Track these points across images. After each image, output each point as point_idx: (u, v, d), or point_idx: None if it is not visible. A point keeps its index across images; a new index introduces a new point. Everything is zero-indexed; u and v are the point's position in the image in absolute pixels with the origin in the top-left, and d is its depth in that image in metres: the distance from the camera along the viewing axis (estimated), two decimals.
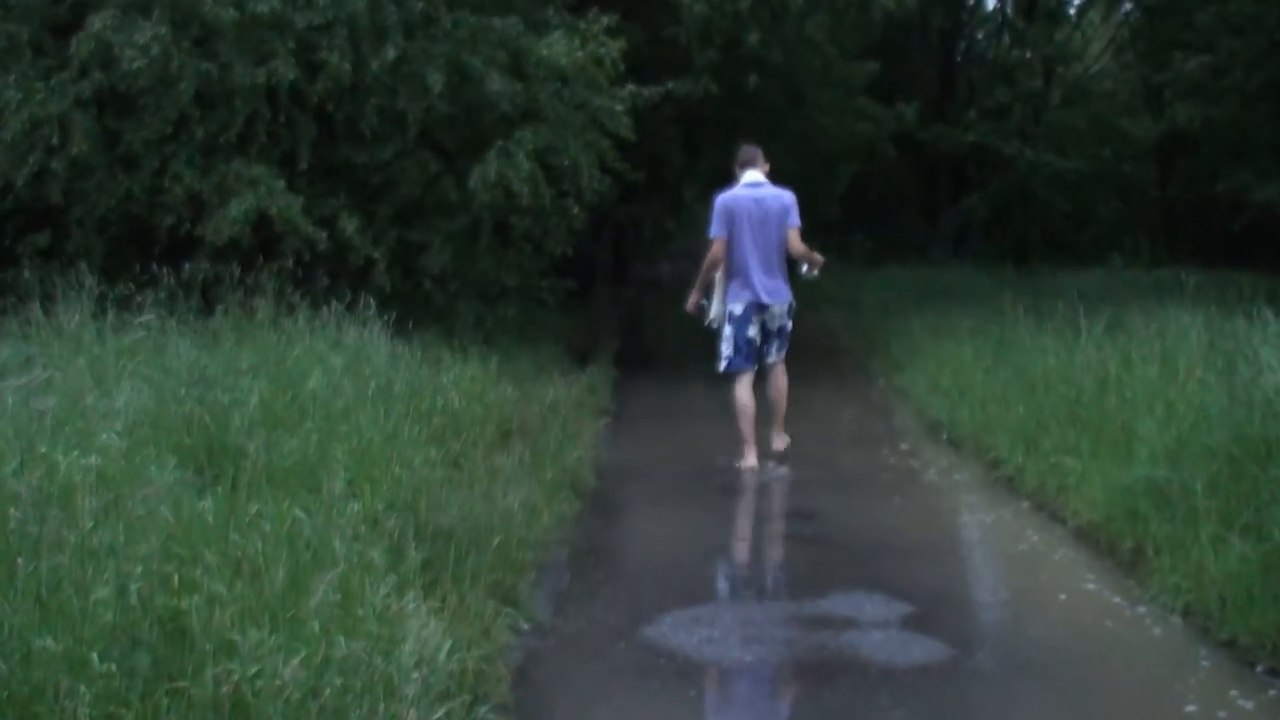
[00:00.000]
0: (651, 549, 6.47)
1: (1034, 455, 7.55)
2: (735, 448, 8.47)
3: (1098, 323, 8.77)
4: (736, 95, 14.58)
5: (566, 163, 10.68)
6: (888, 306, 16.12)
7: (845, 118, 19.04)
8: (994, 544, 6.63)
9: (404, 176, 11.21)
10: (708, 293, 8.69)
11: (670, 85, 11.88)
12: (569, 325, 14.65)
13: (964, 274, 19.05)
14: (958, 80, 26.05)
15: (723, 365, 8.54)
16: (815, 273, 8.57)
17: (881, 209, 26.84)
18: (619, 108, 10.90)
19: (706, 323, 8.72)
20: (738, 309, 8.46)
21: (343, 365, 7.12)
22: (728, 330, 8.50)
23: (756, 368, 8.55)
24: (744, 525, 7.42)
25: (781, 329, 8.54)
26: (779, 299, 8.49)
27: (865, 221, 25.97)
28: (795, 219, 8.50)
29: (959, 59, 26.53)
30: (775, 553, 6.76)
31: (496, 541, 5.28)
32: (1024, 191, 23.82)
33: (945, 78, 25.98)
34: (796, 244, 8.46)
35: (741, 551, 6.87)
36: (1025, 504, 7.23)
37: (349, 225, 10.08)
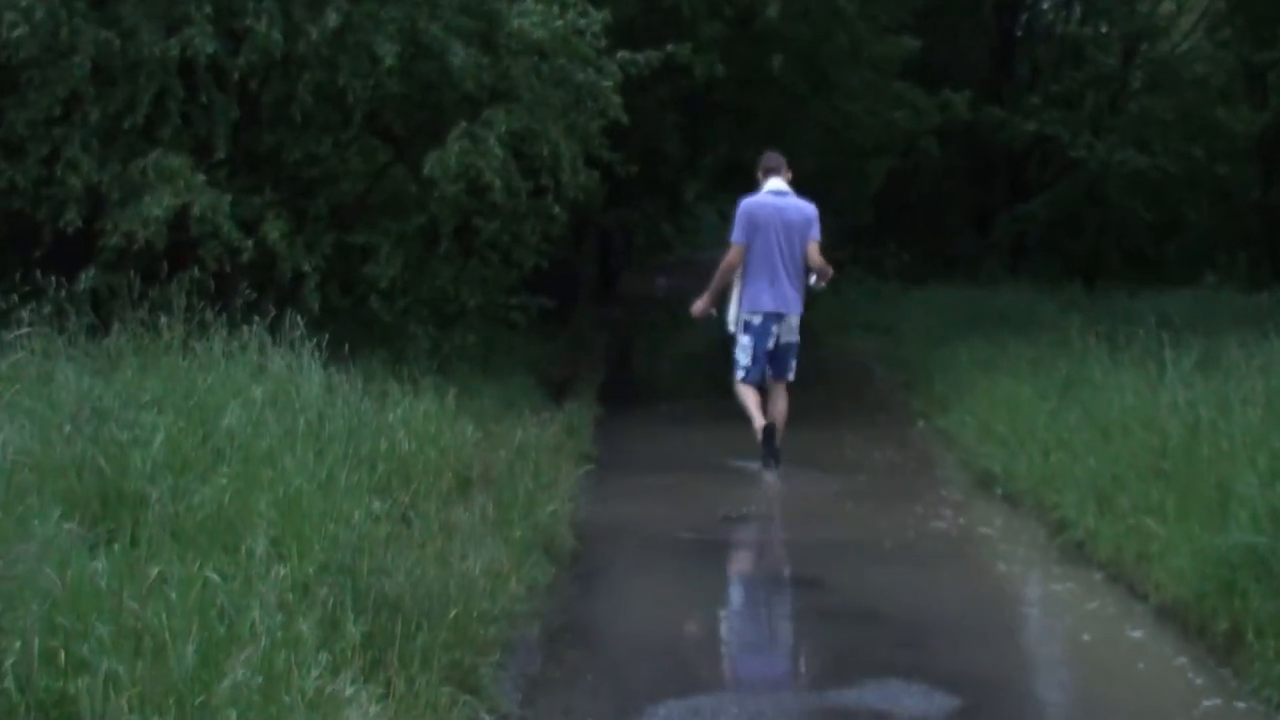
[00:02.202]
0: (641, 625, 6.45)
1: (1108, 516, 7.56)
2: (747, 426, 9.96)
3: (1186, 356, 8.79)
4: (748, 77, 14.68)
5: (545, 151, 10.72)
6: (930, 333, 16.14)
7: (879, 105, 19.11)
8: (1059, 623, 6.63)
9: (345, 169, 11.26)
10: (721, 301, 10.11)
11: (670, 48, 11.84)
12: (543, 352, 14.64)
13: (1022, 295, 19.09)
14: (1017, 60, 26.17)
15: (740, 375, 10.01)
16: (824, 284, 10.14)
17: (923, 215, 26.93)
18: (608, 83, 10.94)
19: (729, 329, 10.12)
20: (756, 319, 9.95)
21: (267, 398, 7.10)
22: (745, 340, 9.98)
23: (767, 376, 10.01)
24: (755, 596, 7.42)
25: (790, 344, 10.06)
26: (795, 310, 10.01)
27: (903, 230, 26.04)
28: (816, 232, 9.99)
29: (1019, 34, 26.66)
30: (793, 631, 6.76)
31: (453, 614, 5.28)
32: (1096, 195, 23.89)
33: (1002, 58, 26.10)
34: (816, 257, 9.91)
35: (751, 629, 6.86)
36: (1098, 575, 7.23)
37: (275, 229, 10.10)
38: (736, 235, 9.99)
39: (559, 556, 7.39)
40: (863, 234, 24.96)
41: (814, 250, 9.94)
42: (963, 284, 21.06)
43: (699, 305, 10.27)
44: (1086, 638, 6.29)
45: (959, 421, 11.26)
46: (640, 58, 11.34)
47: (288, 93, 10.35)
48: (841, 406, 13.02)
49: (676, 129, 17.03)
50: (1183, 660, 5.85)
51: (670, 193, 21.83)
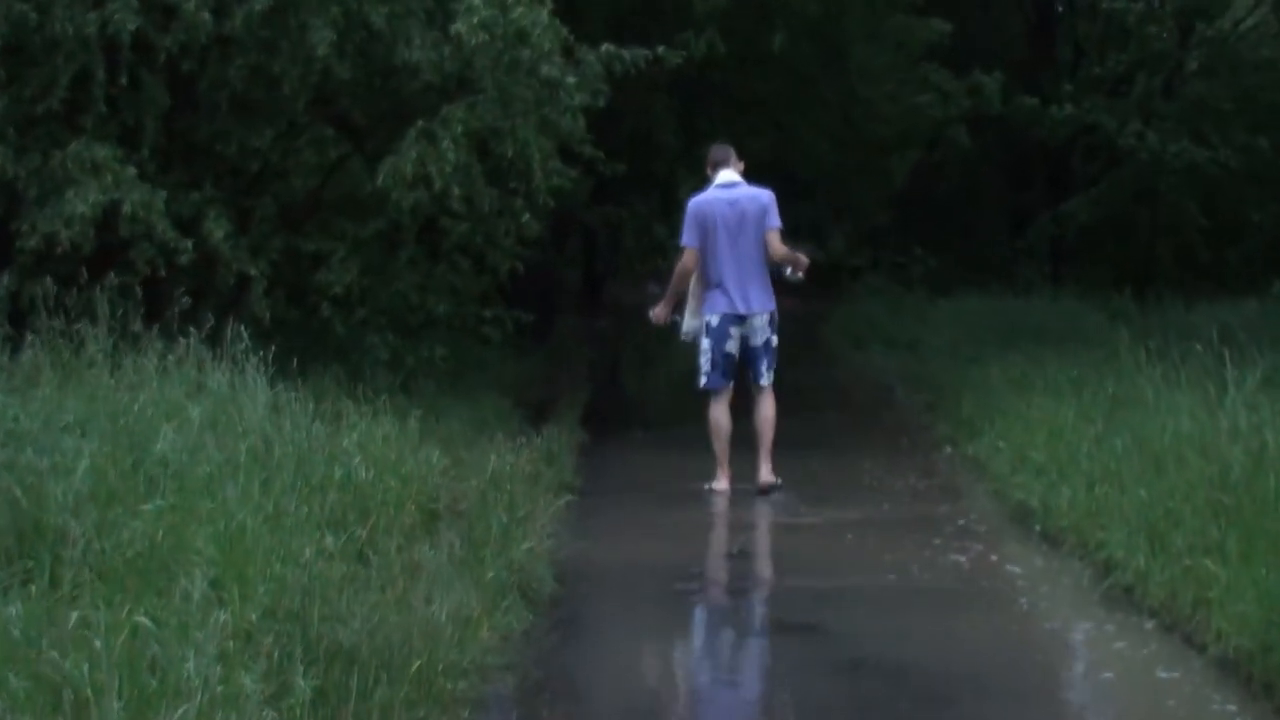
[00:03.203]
0: (629, 680, 6.44)
1: (1162, 556, 7.55)
2: (710, 471, 10.43)
3: (1250, 374, 8.80)
4: (752, 57, 14.71)
5: (511, 151, 10.75)
6: (958, 348, 16.16)
7: (902, 90, 19.21)
8: (1104, 678, 6.63)
9: (294, 163, 11.27)
10: (679, 306, 10.61)
11: (660, 51, 11.96)
12: (520, 369, 14.64)
13: (1063, 305, 19.13)
14: (1058, 40, 26.23)
15: (701, 381, 10.52)
16: (800, 275, 10.59)
17: (950, 216, 27.01)
18: (571, 79, 10.97)
19: (681, 336, 10.75)
20: (714, 319, 10.42)
21: (205, 419, 7.11)
22: (705, 344, 10.47)
23: (733, 384, 10.52)
24: (757, 647, 7.40)
25: (767, 344, 10.48)
26: (759, 308, 10.45)
27: (928, 232, 26.11)
28: (775, 220, 10.46)
29: (1059, 10, 26.73)
30: (802, 689, 6.74)
31: (416, 666, 5.27)
32: (1147, 193, 23.95)
33: (1041, 37, 26.15)
34: (778, 246, 10.45)
35: (754, 687, 6.84)
36: (1149, 623, 7.23)
37: (216, 229, 10.10)
38: (686, 238, 10.53)
39: (537, 600, 7.37)
40: (883, 237, 25.10)
41: (775, 240, 10.42)
42: (996, 293, 21.10)
43: (657, 311, 10.84)
44: (1136, 695, 6.28)
45: (991, 448, 11.27)
46: (626, 54, 11.40)
47: (223, 77, 10.36)
48: (858, 430, 13.03)
49: (669, 114, 17.06)
50: None
51: (663, 188, 21.87)
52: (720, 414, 10.50)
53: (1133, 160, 23.29)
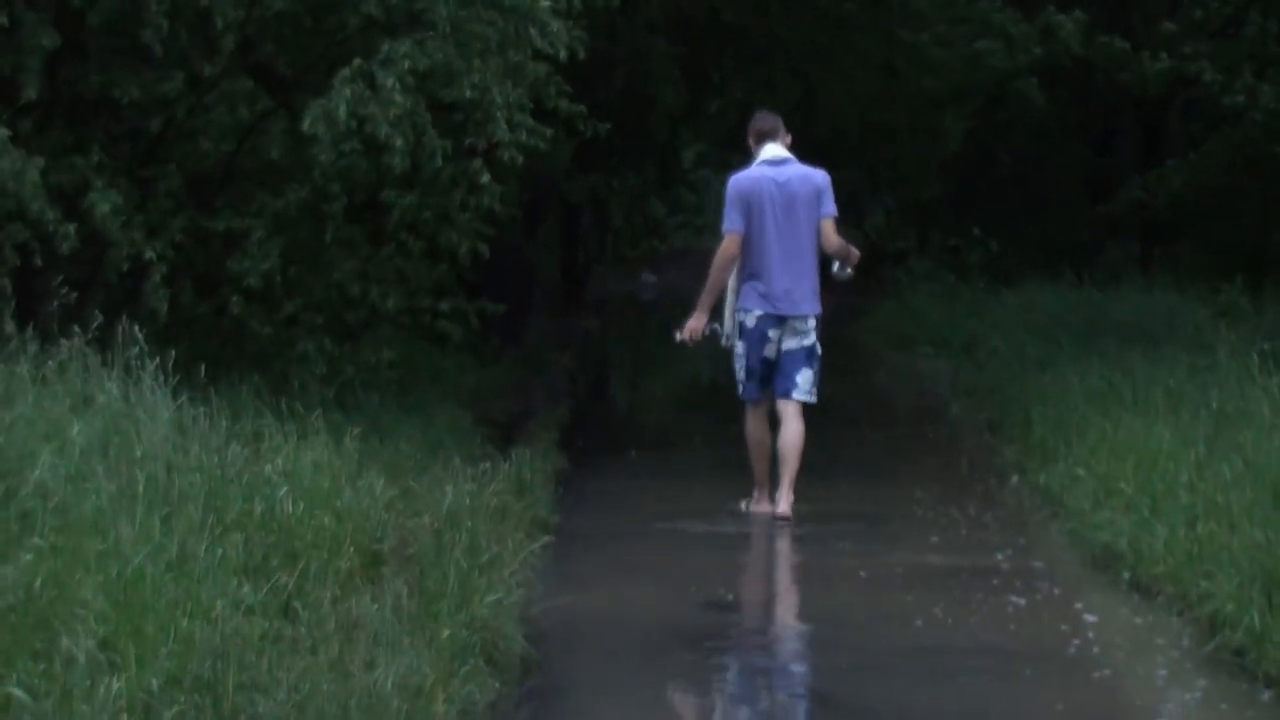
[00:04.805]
0: None
1: None
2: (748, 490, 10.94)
3: None
4: None
5: (469, 95, 10.71)
6: (1025, 352, 16.16)
7: (957, 33, 19.18)
8: None
9: (204, 121, 11.24)
10: (717, 310, 10.73)
11: None
12: (484, 378, 14.64)
13: (1156, 297, 19.13)
14: None
15: (740, 391, 10.91)
16: (850, 272, 10.93)
17: (1016, 188, 27.02)
18: (546, 1, 10.90)
19: (723, 343, 10.98)
20: (749, 319, 10.74)
21: (94, 441, 7.08)
22: (740, 348, 10.83)
23: (767, 393, 10.84)
24: None
25: (797, 351, 10.76)
26: (803, 309, 10.76)
27: (988, 208, 26.13)
28: (831, 206, 10.77)
29: None
30: None
31: None
32: (1261, 159, 23.94)
33: None
34: (832, 238, 10.80)
35: None
36: (1265, 693, 7.23)
37: (105, 203, 10.08)
38: (729, 222, 10.74)
39: (504, 665, 7.37)
40: (934, 215, 25.10)
41: (830, 230, 10.79)
42: (1072, 282, 21.08)
43: (691, 323, 10.96)
44: None
45: (1068, 476, 11.27)
46: None
47: (125, 14, 10.32)
48: (903, 453, 13.03)
49: (669, 62, 17.03)
50: None
51: (662, 155, 21.91)
52: (758, 428, 10.93)
53: (1244, 121, 23.28)
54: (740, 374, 10.85)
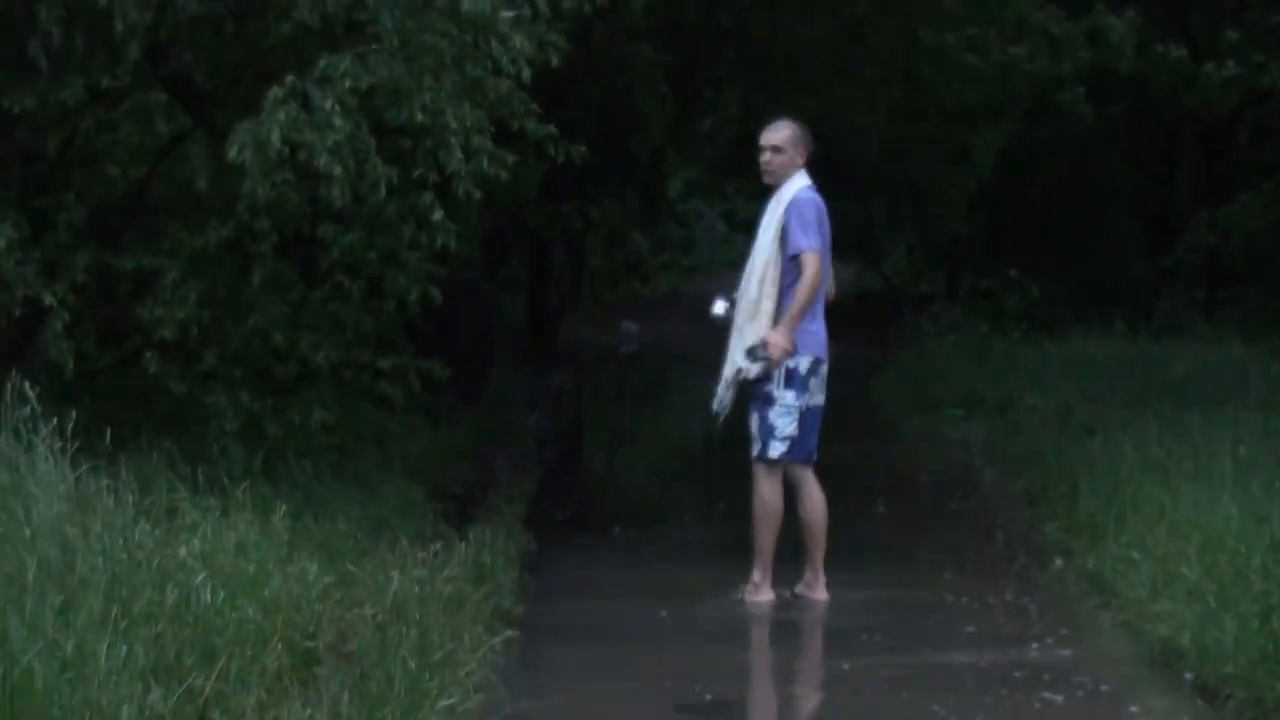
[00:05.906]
0: None
1: None
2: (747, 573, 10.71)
3: None
4: None
5: (420, 119, 10.70)
6: (1072, 413, 16.17)
7: (990, 41, 19.21)
8: None
9: (109, 142, 11.22)
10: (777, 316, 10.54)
11: None
12: (436, 443, 14.62)
13: (1223, 350, 19.17)
14: None
15: (777, 452, 10.66)
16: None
17: (1059, 220, 27.10)
18: (507, 12, 10.90)
19: (714, 407, 10.90)
20: (804, 363, 10.70)
21: None
22: (789, 397, 10.65)
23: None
24: None
25: (823, 406, 10.84)
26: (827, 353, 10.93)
27: (1026, 244, 26.19)
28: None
29: None
30: None
31: None
32: None
33: None
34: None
35: None
36: None
37: None
38: (815, 239, 10.72)
39: None
40: (963, 252, 25.06)
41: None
42: (1124, 333, 21.17)
43: (774, 337, 10.59)
44: None
45: (1120, 559, 11.26)
46: None
47: (17, 19, 10.33)
48: (928, 530, 13.04)
49: (654, 73, 17.02)
50: None
51: (645, 182, 21.90)
52: (775, 494, 10.78)
53: None
54: (789, 427, 10.66)
